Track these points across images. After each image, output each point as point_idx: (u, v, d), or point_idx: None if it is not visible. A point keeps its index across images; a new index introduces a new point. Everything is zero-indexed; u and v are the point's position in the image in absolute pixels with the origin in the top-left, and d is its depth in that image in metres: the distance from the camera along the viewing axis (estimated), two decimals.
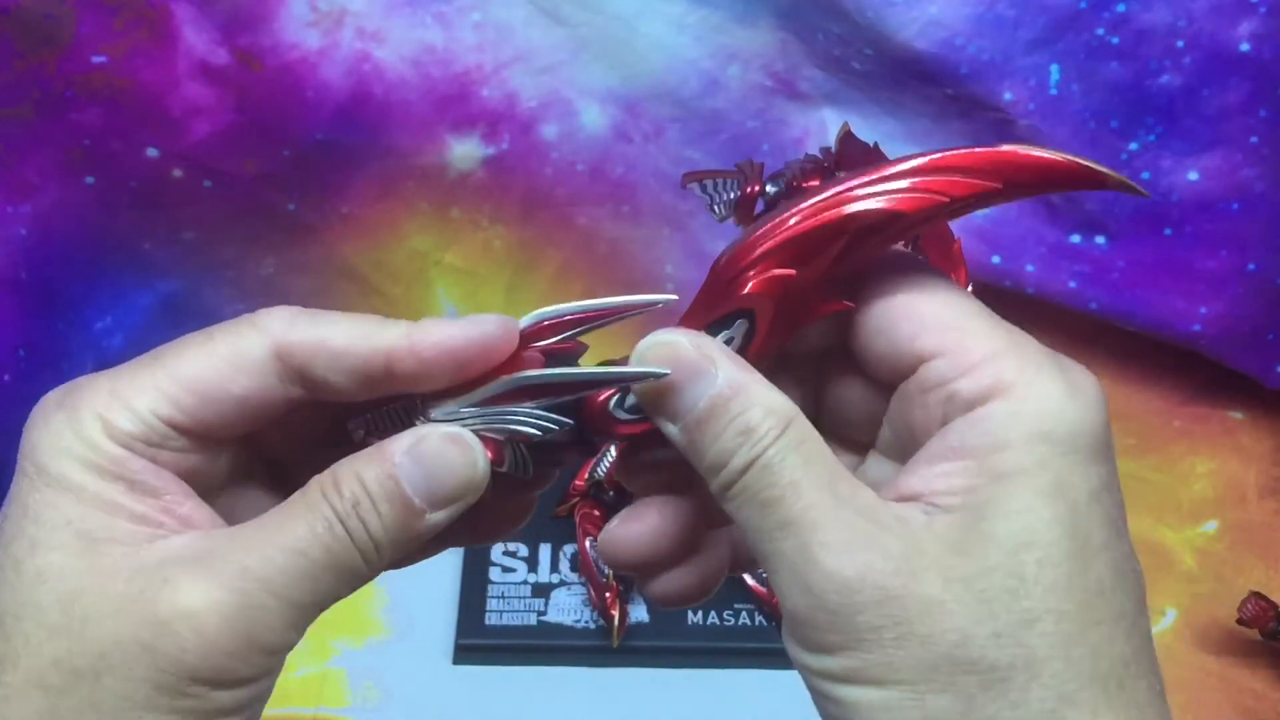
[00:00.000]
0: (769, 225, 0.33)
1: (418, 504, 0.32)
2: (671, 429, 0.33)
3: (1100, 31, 0.71)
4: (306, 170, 0.78)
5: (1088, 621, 0.29)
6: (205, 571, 0.31)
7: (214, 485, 0.35)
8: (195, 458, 0.33)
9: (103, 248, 0.78)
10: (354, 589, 0.32)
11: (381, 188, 0.80)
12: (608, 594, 0.69)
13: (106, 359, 0.77)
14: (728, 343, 0.33)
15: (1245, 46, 0.71)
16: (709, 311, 0.34)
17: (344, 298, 0.84)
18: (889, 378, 0.33)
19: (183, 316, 0.83)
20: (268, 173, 0.78)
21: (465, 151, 0.80)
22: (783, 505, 0.31)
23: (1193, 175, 0.75)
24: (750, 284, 0.33)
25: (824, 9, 0.73)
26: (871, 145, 0.67)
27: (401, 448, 0.32)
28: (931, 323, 0.32)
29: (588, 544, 0.71)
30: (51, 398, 0.33)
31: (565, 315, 0.34)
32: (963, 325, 0.32)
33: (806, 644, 0.31)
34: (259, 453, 0.36)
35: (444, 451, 0.32)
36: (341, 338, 0.33)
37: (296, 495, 0.32)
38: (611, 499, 0.74)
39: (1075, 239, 0.79)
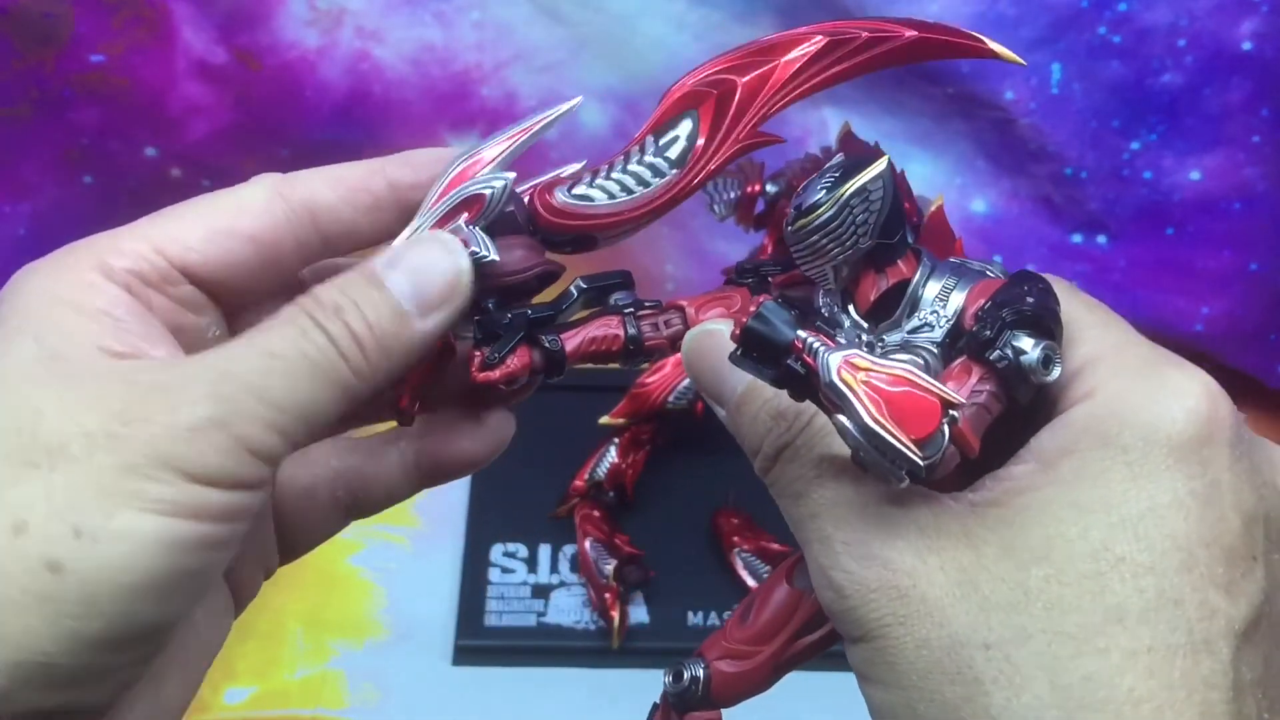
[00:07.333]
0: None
1: (405, 307, 0.31)
2: (720, 412, 0.33)
3: (1102, 30, 0.71)
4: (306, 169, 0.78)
5: (1090, 648, 0.27)
6: (176, 367, 0.30)
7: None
8: (191, 318, 0.33)
9: None
10: (345, 400, 0.30)
11: None
12: (607, 595, 0.69)
13: None
14: (673, 141, 0.34)
15: (1247, 45, 0.71)
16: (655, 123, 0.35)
17: None
18: None
19: None
20: (267, 172, 0.78)
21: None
22: (809, 500, 0.31)
23: (1195, 174, 0.74)
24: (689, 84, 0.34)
25: (824, 9, 0.73)
26: (872, 145, 0.66)
27: (382, 260, 0.31)
28: None
29: (587, 545, 0.71)
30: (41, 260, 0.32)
31: (500, 151, 0.35)
32: (1071, 329, 0.31)
33: (842, 633, 0.31)
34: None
35: (426, 254, 0.32)
36: (338, 168, 0.34)
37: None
38: (611, 499, 0.73)
39: (1076, 239, 0.79)
